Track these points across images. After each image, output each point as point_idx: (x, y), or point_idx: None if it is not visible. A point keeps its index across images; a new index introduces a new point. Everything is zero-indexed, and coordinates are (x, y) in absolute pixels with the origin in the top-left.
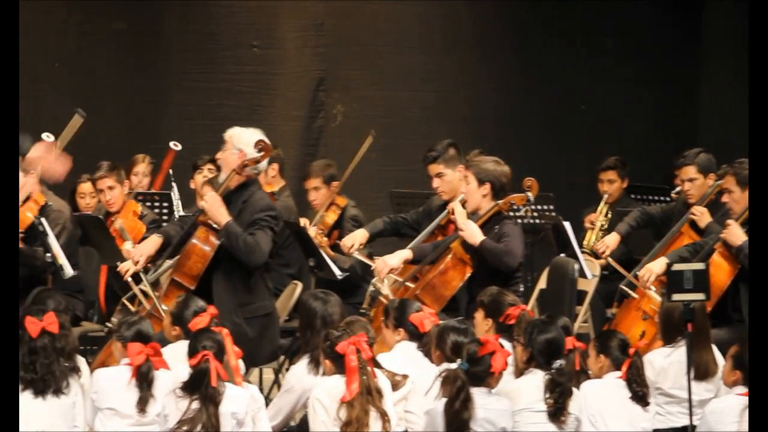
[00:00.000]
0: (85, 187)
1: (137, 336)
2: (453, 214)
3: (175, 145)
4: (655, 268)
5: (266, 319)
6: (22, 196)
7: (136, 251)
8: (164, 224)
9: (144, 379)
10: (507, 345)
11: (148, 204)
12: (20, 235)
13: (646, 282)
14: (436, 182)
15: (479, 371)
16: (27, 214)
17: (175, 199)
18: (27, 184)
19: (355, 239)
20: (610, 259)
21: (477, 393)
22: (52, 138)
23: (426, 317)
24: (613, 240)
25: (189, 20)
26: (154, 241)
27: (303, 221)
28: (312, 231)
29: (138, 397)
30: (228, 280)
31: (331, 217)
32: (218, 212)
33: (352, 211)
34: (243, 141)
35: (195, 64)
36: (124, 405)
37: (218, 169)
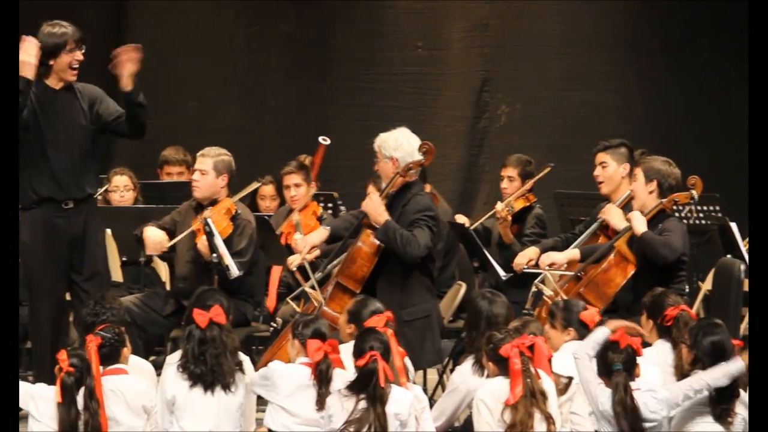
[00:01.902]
0: (267, 189)
1: (315, 333)
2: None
3: (324, 140)
4: None
5: (426, 321)
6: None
7: (303, 241)
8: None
9: (323, 377)
10: (667, 346)
11: (321, 204)
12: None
13: None
14: (597, 170)
15: (630, 367)
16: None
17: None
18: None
19: (526, 257)
20: None
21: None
22: (328, 141)
23: (595, 315)
24: None
25: (355, 22)
26: (321, 233)
27: (463, 219)
28: (499, 206)
29: (316, 395)
30: (389, 282)
31: (519, 204)
32: (378, 212)
33: (538, 210)
34: (390, 147)
35: (360, 66)
36: (296, 403)
37: None
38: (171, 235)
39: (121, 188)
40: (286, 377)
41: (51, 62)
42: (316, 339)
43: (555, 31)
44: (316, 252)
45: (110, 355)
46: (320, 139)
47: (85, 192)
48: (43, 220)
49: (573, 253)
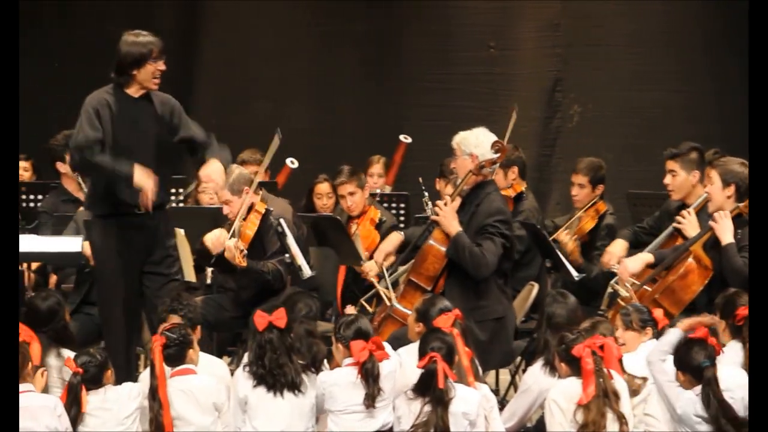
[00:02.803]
0: (323, 187)
1: (358, 333)
2: (684, 219)
3: (405, 138)
4: None
5: (498, 323)
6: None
7: (378, 253)
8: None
9: (370, 375)
10: (738, 346)
11: (385, 204)
12: (242, 251)
13: None
14: (667, 178)
15: (714, 363)
16: (247, 232)
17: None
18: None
19: (612, 255)
20: None
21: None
22: (409, 139)
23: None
24: None
25: (427, 21)
26: (395, 240)
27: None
28: (565, 237)
29: (365, 394)
30: (461, 282)
31: (589, 225)
32: (450, 223)
33: (609, 220)
34: (471, 144)
35: (432, 66)
36: (354, 403)
37: None
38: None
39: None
40: (338, 384)
41: (134, 72)
42: (359, 339)
43: (627, 31)
44: (391, 259)
45: (176, 356)
46: (401, 137)
47: (159, 199)
48: (117, 225)
49: (647, 257)
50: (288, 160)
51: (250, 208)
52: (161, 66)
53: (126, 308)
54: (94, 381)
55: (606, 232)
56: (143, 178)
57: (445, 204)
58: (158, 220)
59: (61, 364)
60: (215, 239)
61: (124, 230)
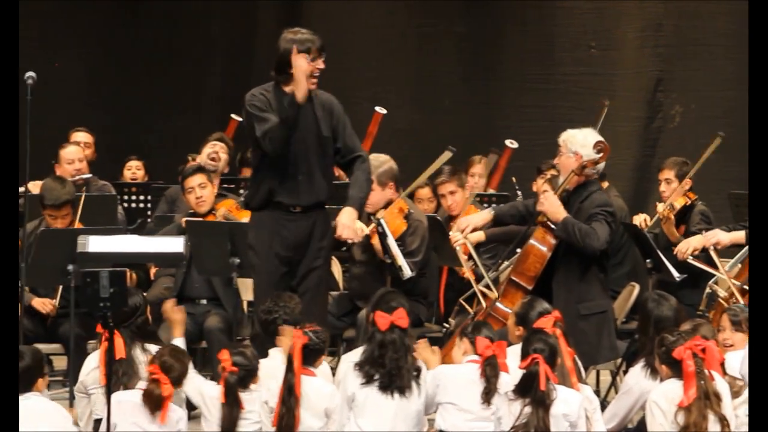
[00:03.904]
0: (423, 192)
1: (485, 334)
2: None
3: (511, 143)
4: None
5: (602, 316)
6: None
7: (464, 221)
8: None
9: (491, 374)
10: None
11: (485, 205)
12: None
13: None
14: None
15: None
16: (396, 228)
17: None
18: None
19: (690, 245)
20: None
21: None
22: (515, 145)
23: None
24: None
25: (527, 22)
26: (484, 215)
27: (642, 218)
28: (660, 206)
29: (483, 390)
30: (566, 279)
31: (680, 202)
32: (556, 210)
33: (701, 206)
34: (578, 143)
35: (533, 66)
36: (467, 400)
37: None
38: None
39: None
40: (455, 377)
41: (291, 70)
42: (486, 338)
43: (729, 31)
44: (479, 235)
45: (309, 358)
46: (507, 142)
47: (316, 199)
48: (271, 222)
49: (738, 235)
50: (507, 142)
51: (389, 205)
52: (320, 65)
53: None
54: (243, 383)
55: (701, 218)
56: None
57: (545, 191)
58: (314, 218)
59: (146, 358)
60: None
61: (276, 226)
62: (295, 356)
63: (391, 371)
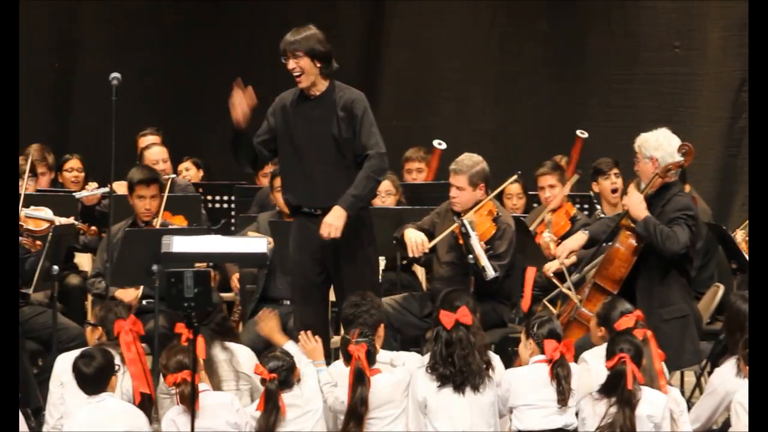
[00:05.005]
0: (512, 188)
1: (551, 333)
2: None
3: (581, 133)
4: None
5: (684, 320)
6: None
7: (562, 247)
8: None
9: (561, 375)
10: None
11: (576, 205)
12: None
13: None
14: None
15: None
16: (486, 230)
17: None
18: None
19: None
20: None
21: None
22: (585, 134)
23: None
24: None
25: (611, 21)
26: (580, 238)
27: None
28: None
29: (557, 392)
30: (647, 284)
31: None
32: (638, 208)
33: None
34: (651, 147)
35: (616, 66)
36: (542, 398)
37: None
38: (430, 236)
39: (382, 193)
40: (525, 379)
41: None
42: (552, 339)
43: None
44: (573, 258)
45: (371, 361)
46: (578, 132)
47: (334, 202)
48: (298, 225)
49: None
50: (578, 131)
51: (477, 206)
52: (289, 65)
53: (307, 309)
54: (286, 383)
55: None
56: None
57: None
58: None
59: (228, 356)
60: (415, 243)
61: (303, 229)
62: (363, 367)
63: (461, 369)
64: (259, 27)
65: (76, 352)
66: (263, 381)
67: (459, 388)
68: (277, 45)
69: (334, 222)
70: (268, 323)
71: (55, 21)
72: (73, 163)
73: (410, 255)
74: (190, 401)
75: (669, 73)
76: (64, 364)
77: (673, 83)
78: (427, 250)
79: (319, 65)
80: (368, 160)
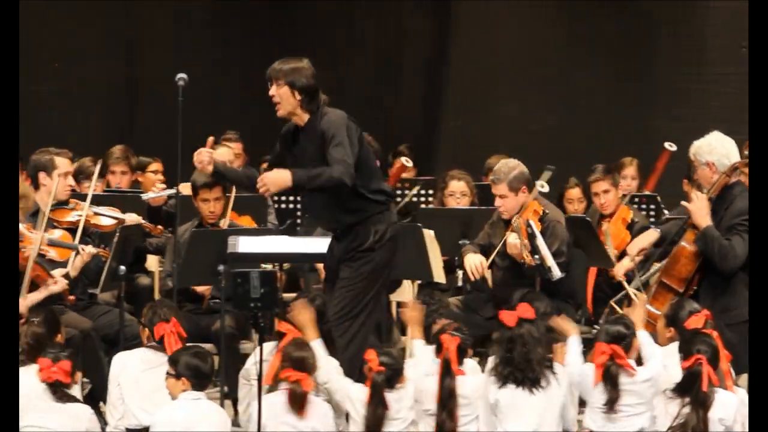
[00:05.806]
0: (574, 192)
1: (613, 338)
2: None
3: (670, 146)
4: None
5: (747, 326)
6: None
7: (632, 246)
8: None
9: (608, 380)
10: None
11: (635, 206)
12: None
13: None
14: None
15: None
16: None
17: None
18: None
19: None
20: None
21: None
22: (674, 147)
23: None
24: None
25: (677, 21)
26: (651, 235)
27: None
28: None
29: (606, 398)
30: (710, 288)
31: None
32: (701, 215)
33: None
34: (705, 152)
35: (682, 66)
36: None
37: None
38: (487, 250)
39: (457, 194)
40: (590, 377)
41: None
42: (601, 343)
43: None
44: (641, 256)
45: (461, 357)
46: (666, 145)
47: (344, 223)
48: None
49: None
50: (666, 144)
51: (524, 208)
52: (271, 92)
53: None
54: (389, 383)
55: None
56: None
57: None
58: (346, 241)
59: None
60: (474, 266)
61: (332, 242)
62: (452, 359)
63: (519, 365)
64: (327, 27)
65: (131, 352)
66: (369, 369)
67: (522, 384)
68: (342, 46)
69: (273, 179)
70: (304, 314)
71: (119, 21)
72: (157, 165)
73: (471, 279)
74: (297, 403)
75: (736, 73)
76: (120, 363)
77: (739, 83)
78: (486, 270)
79: (299, 98)
80: (335, 164)
